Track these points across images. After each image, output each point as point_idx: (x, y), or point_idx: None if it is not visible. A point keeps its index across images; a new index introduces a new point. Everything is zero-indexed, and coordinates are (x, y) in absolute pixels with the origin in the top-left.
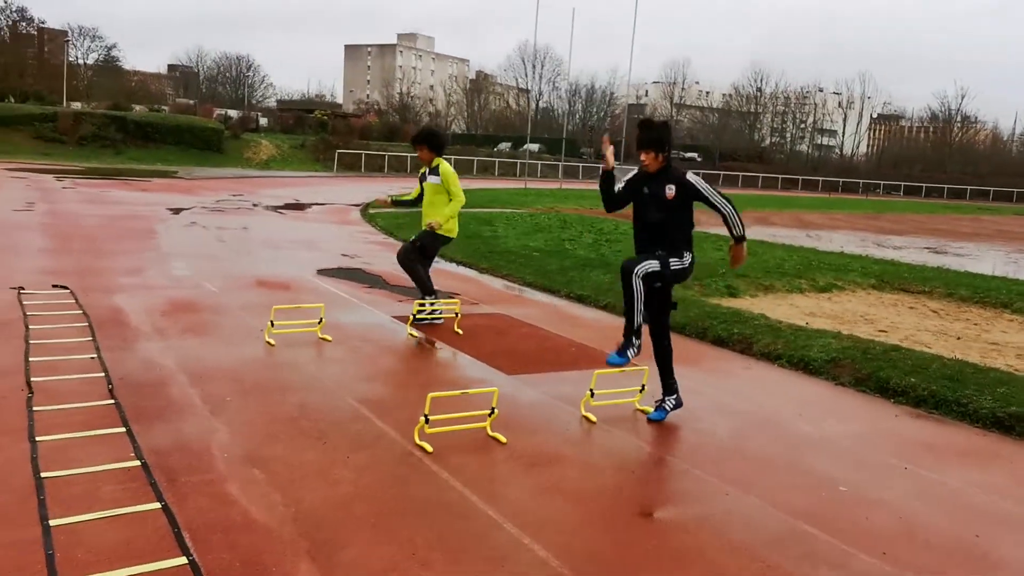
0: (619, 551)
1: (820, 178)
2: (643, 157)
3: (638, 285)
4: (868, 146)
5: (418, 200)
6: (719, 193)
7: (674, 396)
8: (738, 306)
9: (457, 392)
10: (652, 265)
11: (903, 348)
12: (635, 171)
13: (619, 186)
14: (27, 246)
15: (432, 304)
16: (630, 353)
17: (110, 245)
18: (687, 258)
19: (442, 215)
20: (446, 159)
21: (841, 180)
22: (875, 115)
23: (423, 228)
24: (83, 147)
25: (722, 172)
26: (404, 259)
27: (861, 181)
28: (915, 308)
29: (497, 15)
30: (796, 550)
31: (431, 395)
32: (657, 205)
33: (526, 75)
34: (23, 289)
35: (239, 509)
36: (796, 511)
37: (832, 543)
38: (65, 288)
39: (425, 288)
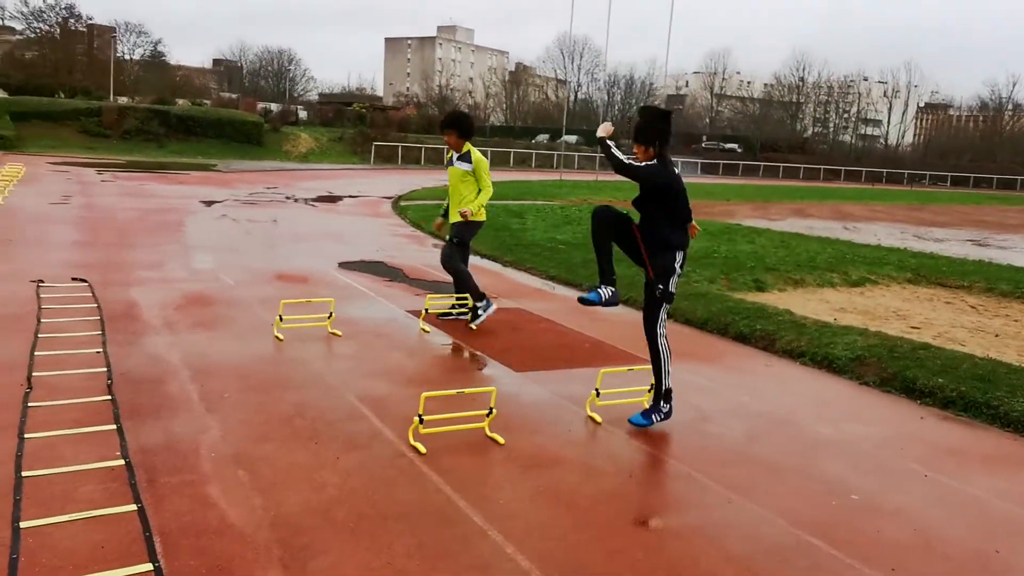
0: (607, 561)
1: (863, 169)
2: (635, 148)
3: (664, 346)
4: (915, 136)
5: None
6: (634, 167)
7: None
8: (764, 301)
9: (453, 392)
10: (664, 311)
11: (932, 346)
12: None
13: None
14: (56, 239)
15: (482, 310)
16: (655, 417)
17: (138, 238)
18: (677, 258)
19: (472, 205)
20: (482, 150)
21: (885, 171)
22: (922, 104)
23: (451, 220)
24: (127, 141)
25: (763, 163)
26: (448, 262)
27: (906, 172)
28: (952, 303)
29: (537, 6)
30: (797, 563)
31: (425, 394)
32: (640, 190)
33: (564, 67)
34: (42, 282)
35: (216, 512)
36: (802, 520)
37: (837, 556)
38: (84, 281)
39: (475, 293)
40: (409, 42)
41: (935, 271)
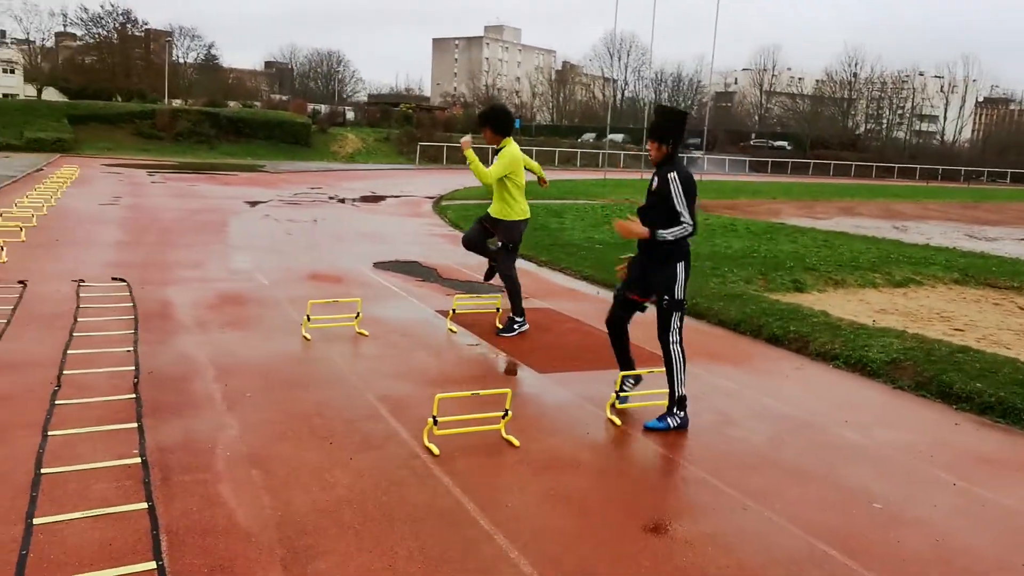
0: (612, 567)
1: (918, 166)
2: (648, 145)
3: (677, 353)
4: (973, 132)
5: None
6: (688, 211)
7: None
8: (801, 302)
9: (467, 393)
10: (678, 325)
11: (972, 349)
12: None
13: None
14: (102, 239)
15: (518, 326)
16: (670, 422)
17: (180, 238)
18: (678, 268)
19: (474, 164)
20: (526, 150)
21: (941, 168)
22: (980, 99)
23: (488, 213)
24: (179, 143)
25: (813, 161)
26: (504, 275)
27: (963, 168)
28: (1000, 305)
29: (585, 4)
30: (810, 573)
31: (439, 396)
32: (647, 196)
33: (611, 65)
34: (83, 282)
35: (225, 511)
36: (818, 529)
37: (852, 568)
38: (123, 281)
39: (518, 307)
40: (456, 42)
41: (985, 271)
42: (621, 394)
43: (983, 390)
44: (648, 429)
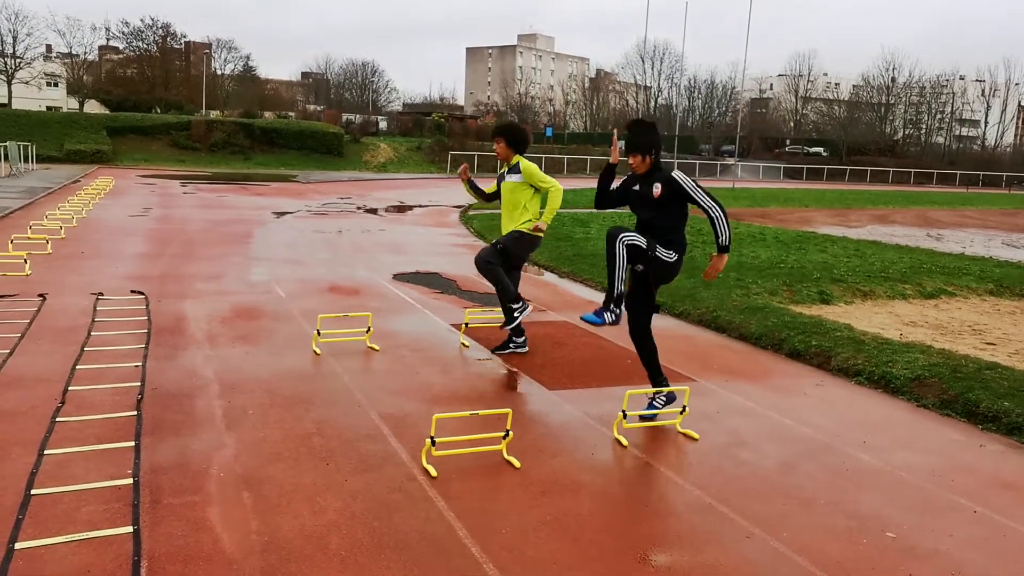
0: None
1: (958, 172)
2: (631, 160)
3: (621, 251)
4: (1016, 136)
5: (492, 196)
6: (708, 195)
7: (665, 393)
8: (825, 315)
9: (466, 413)
10: (639, 239)
11: (1001, 366)
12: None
13: (615, 184)
14: (127, 251)
15: (519, 312)
16: (607, 316)
17: (203, 250)
18: (674, 256)
19: (548, 212)
20: (557, 158)
21: (982, 174)
22: (1023, 103)
23: (504, 234)
24: (214, 153)
25: (849, 167)
26: (483, 264)
27: (1005, 174)
28: None
29: (619, 12)
30: None
31: (436, 416)
32: (645, 204)
33: (644, 72)
34: (102, 295)
35: (210, 537)
36: (824, 560)
37: None
38: (142, 294)
39: (508, 294)
40: (490, 51)
41: (1021, 281)
42: (647, 411)
43: (1011, 409)
44: (585, 321)
